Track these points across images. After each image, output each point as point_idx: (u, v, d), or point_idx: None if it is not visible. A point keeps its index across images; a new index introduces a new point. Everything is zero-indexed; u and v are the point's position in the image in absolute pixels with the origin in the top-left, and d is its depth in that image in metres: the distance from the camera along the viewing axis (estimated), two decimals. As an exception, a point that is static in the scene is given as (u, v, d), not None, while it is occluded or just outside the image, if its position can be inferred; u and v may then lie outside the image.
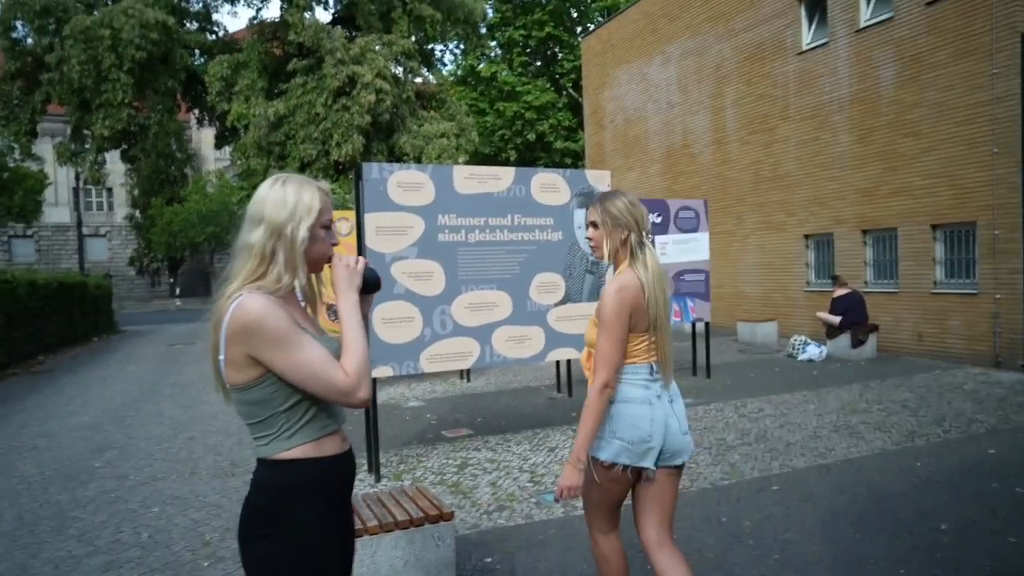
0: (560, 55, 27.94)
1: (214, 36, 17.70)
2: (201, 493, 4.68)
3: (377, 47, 15.78)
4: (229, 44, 17.24)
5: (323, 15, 37.93)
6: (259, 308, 1.46)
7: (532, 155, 26.67)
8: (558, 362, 7.49)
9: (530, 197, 5.15)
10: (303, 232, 1.54)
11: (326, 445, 1.58)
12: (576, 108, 26.93)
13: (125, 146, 15.61)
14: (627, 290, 2.17)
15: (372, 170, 4.68)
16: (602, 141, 17.33)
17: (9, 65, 15.17)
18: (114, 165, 36.36)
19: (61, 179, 37.46)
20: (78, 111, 14.57)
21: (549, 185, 5.22)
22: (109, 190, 40.85)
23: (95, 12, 14.10)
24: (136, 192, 38.75)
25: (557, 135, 26.46)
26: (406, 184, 4.77)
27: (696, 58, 13.75)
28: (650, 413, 2.21)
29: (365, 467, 4.98)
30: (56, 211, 38.54)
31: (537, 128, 26.02)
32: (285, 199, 1.55)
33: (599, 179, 5.41)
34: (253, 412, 1.53)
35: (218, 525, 4.09)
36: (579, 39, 26.00)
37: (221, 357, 1.51)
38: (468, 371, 8.60)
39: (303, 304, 1.66)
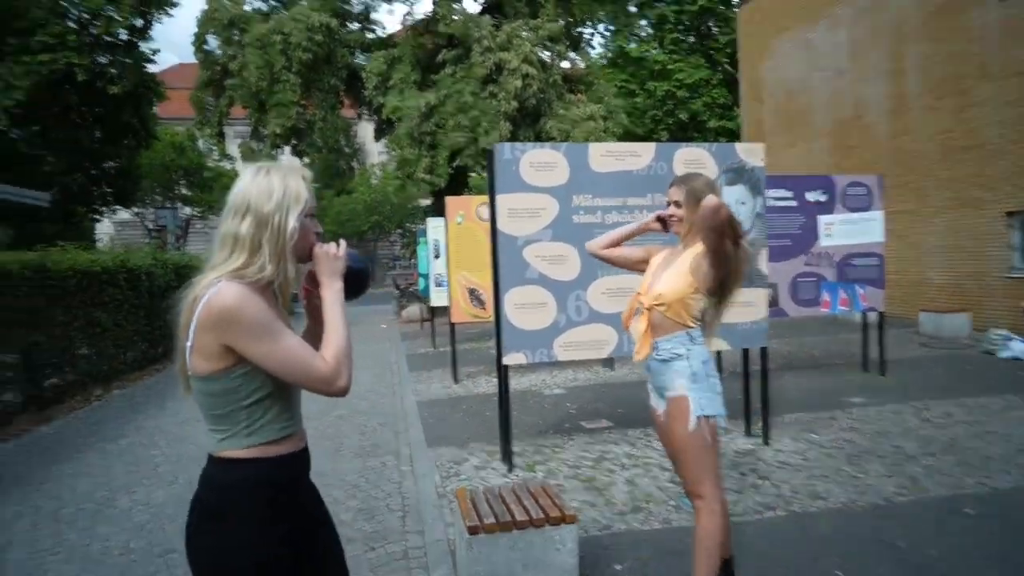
0: (715, 29, 26.38)
1: (373, 34, 18.59)
2: (342, 472, 4.85)
3: (524, 32, 15.73)
4: (386, 41, 18.05)
5: (473, 6, 38.85)
6: (236, 297, 1.43)
7: (685, 135, 25.49)
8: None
9: (672, 174, 4.75)
10: (292, 222, 1.51)
11: (281, 446, 1.54)
12: (732, 84, 25.32)
13: (295, 141, 16.85)
14: None
15: (504, 150, 4.54)
16: (761, 117, 16.10)
17: (202, 75, 16.97)
18: (292, 161, 39.83)
19: (248, 176, 41.49)
20: (256, 112, 15.98)
21: (694, 161, 4.79)
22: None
23: (271, 21, 15.31)
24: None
25: (711, 114, 25.07)
26: (539, 164, 4.58)
27: (872, 17, 12.27)
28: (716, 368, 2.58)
29: (499, 455, 4.91)
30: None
31: (690, 107, 24.81)
32: (271, 188, 1.51)
33: (751, 152, 4.88)
34: (214, 404, 1.49)
35: (352, 505, 4.18)
36: (735, 10, 24.40)
37: (188, 344, 1.47)
38: (612, 359, 8.32)
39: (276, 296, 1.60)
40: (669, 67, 24.81)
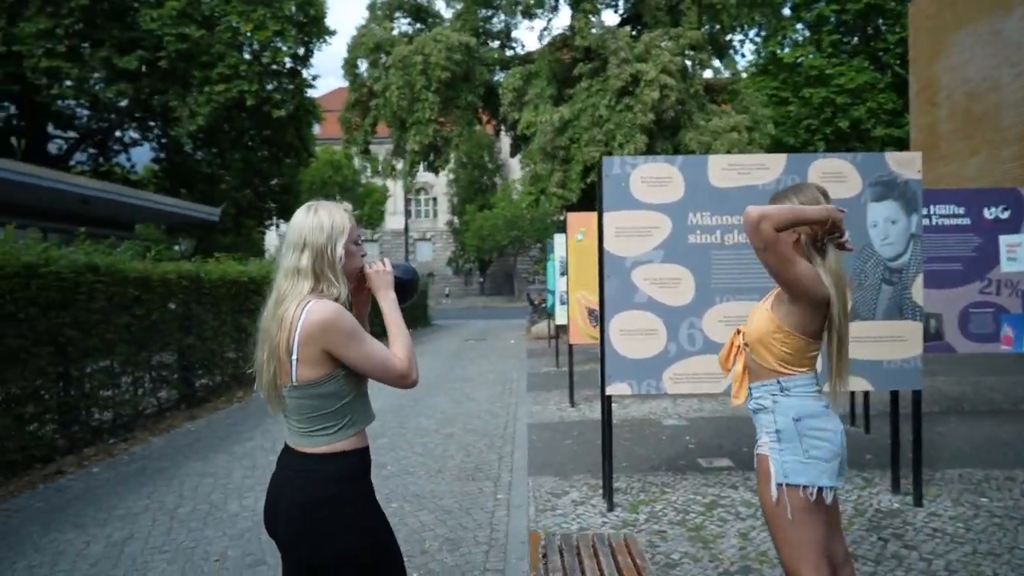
0: (884, 27, 24.09)
1: (512, 52, 18.87)
2: (439, 494, 4.72)
3: (663, 43, 15.20)
4: (525, 58, 18.24)
5: (612, 18, 38.32)
6: (334, 309, 1.71)
7: (845, 145, 23.43)
8: (852, 393, 6.16)
9: (807, 189, 4.18)
10: (340, 250, 1.77)
11: (365, 436, 1.84)
12: (902, 88, 22.95)
13: (432, 157, 17.43)
14: None
15: (613, 165, 4.22)
16: (935, 122, 14.34)
17: (350, 96, 18.09)
18: (440, 177, 41.68)
19: (398, 193, 43.95)
20: (397, 130, 16.72)
21: (834, 173, 4.19)
22: (434, 199, 47.00)
23: (413, 43, 15.98)
24: (455, 200, 44.11)
25: (877, 121, 22.85)
26: (651, 179, 4.21)
27: (1079, 2, 10.49)
28: (834, 424, 2.09)
29: (601, 492, 4.56)
30: (394, 219, 45.48)
31: (851, 114, 22.78)
32: (321, 224, 1.77)
33: (905, 163, 4.18)
34: (324, 404, 1.74)
35: (439, 533, 4.02)
36: (908, 4, 22.13)
37: (294, 357, 1.71)
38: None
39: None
40: (827, 71, 22.95)
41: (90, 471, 5.68)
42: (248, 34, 20.13)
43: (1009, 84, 12.16)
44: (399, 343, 1.80)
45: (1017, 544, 3.67)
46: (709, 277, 4.20)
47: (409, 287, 1.98)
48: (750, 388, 2.18)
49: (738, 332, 2.28)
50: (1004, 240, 6.05)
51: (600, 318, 4.30)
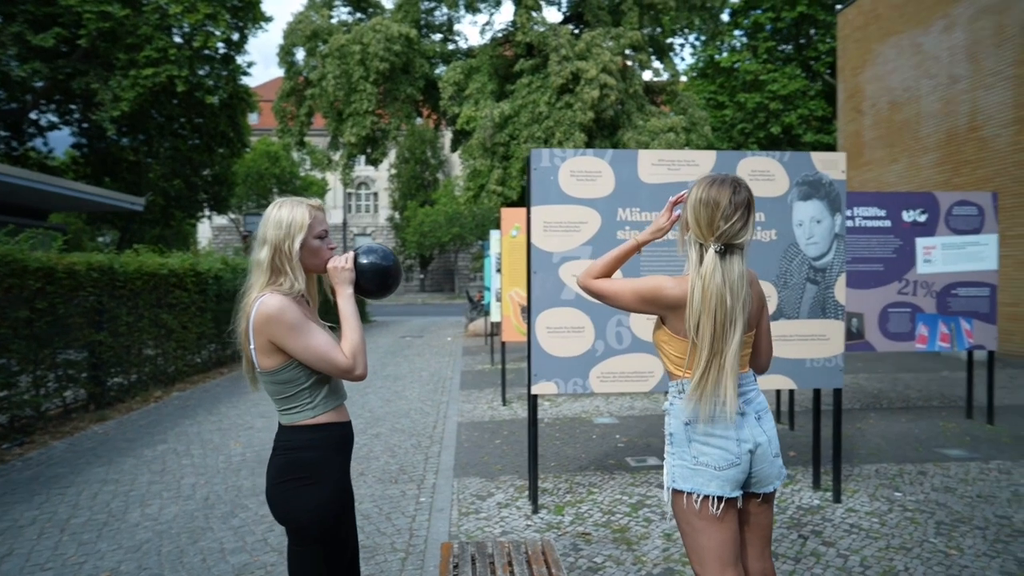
0: (815, 36, 24.93)
1: (455, 46, 18.62)
2: (359, 498, 4.51)
3: (605, 42, 15.26)
4: (466, 53, 18.02)
5: (554, 15, 38.68)
6: (278, 303, 1.84)
7: (777, 150, 24.16)
8: (777, 391, 6.25)
9: (735, 187, 4.17)
10: (297, 245, 1.90)
11: (340, 413, 1.98)
12: (831, 96, 23.82)
13: (369, 150, 17.02)
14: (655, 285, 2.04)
15: (542, 157, 4.11)
16: (860, 130, 14.87)
17: (285, 85, 17.48)
18: (382, 171, 40.99)
19: (337, 186, 42.99)
20: (334, 122, 16.24)
21: (761, 172, 4.19)
22: (375, 194, 46.21)
23: (351, 32, 15.55)
24: (396, 196, 43.46)
25: (807, 127, 23.63)
26: (581, 172, 4.11)
27: (994, 17, 11.01)
28: (740, 433, 1.96)
29: (527, 493, 4.44)
30: (334, 213, 44.45)
31: (784, 119, 23.49)
32: (280, 220, 1.90)
33: (830, 164, 4.22)
34: (283, 390, 1.90)
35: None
36: (836, 15, 22.96)
37: (251, 347, 1.88)
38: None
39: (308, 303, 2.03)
40: (762, 78, 23.60)
41: (-23, 478, 5.22)
42: (178, 16, 19.21)
43: (928, 95, 12.70)
44: (347, 338, 1.89)
45: (927, 538, 3.74)
46: (638, 274, 4.13)
47: (390, 273, 2.04)
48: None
49: None
50: (920, 243, 6.25)
51: (528, 315, 4.19)
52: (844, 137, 15.61)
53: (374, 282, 2.01)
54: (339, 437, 1.96)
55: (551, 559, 2.54)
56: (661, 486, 4.64)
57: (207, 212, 25.66)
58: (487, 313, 13.74)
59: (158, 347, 9.26)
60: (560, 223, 4.10)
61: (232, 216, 33.31)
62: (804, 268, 4.19)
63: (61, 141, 23.94)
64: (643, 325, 4.14)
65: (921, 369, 9.77)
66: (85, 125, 21.96)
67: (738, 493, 1.95)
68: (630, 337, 4.14)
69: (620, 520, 4.03)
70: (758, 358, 2.13)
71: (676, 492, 1.97)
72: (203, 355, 10.70)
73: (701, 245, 1.97)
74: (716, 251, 1.92)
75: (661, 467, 5.10)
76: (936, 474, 4.88)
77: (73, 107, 21.80)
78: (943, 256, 6.23)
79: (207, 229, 41.37)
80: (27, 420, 6.82)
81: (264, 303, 1.83)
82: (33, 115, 22.08)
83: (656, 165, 4.16)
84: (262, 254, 1.90)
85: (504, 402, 7.68)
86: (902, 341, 6.23)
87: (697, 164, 4.17)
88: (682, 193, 2.17)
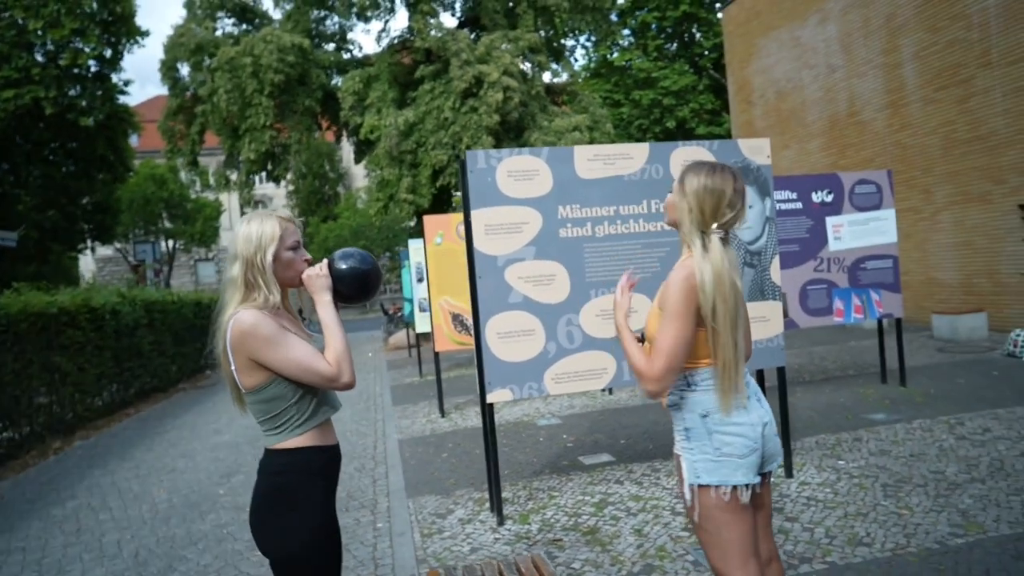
0: (698, 34, 26.14)
1: (349, 55, 18.15)
2: (310, 533, 4.22)
3: (503, 45, 15.31)
4: (363, 61, 17.60)
5: (449, 21, 38.47)
6: (251, 318, 1.79)
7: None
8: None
9: (669, 177, 4.22)
10: (269, 258, 1.86)
11: (327, 434, 1.91)
12: (718, 90, 25.04)
13: (270, 167, 16.28)
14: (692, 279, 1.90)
15: (477, 159, 3.99)
16: (751, 119, 15.67)
17: (171, 103, 16.44)
18: (279, 188, 39.42)
19: (234, 206, 41.07)
20: (229, 139, 15.43)
21: (693, 160, 4.25)
22: (291, 213, 44.38)
23: (240, 44, 14.82)
24: (296, 212, 41.95)
25: (699, 120, 24.73)
26: (518, 172, 4.03)
27: (861, 11, 11.88)
28: (751, 416, 1.94)
29: (488, 505, 4.31)
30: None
31: (677, 114, 24.46)
32: (250, 235, 1.86)
33: (756, 149, 4.35)
34: (269, 408, 1.84)
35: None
36: (718, 14, 24.14)
37: (232, 368, 1.82)
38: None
39: (300, 316, 2.07)
40: (654, 75, 24.48)
41: None
42: (38, 32, 17.67)
43: (810, 84, 13.55)
44: (330, 345, 1.84)
45: (878, 501, 3.90)
46: (583, 271, 4.09)
47: (369, 276, 1.99)
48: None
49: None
50: (830, 221, 6.60)
51: (475, 322, 4.05)
52: (737, 127, 16.41)
53: (353, 287, 1.96)
54: (323, 460, 1.88)
55: (546, 572, 2.43)
56: (620, 481, 4.63)
57: (89, 243, 23.76)
58: (409, 325, 13.44)
59: (51, 393, 8.41)
60: (501, 225, 3.99)
61: (119, 246, 31.03)
62: (740, 252, 4.28)
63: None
64: (593, 323, 4.10)
65: (832, 341, 10.37)
66: (-62, 156, 19.82)
67: (758, 479, 1.93)
68: (581, 336, 4.09)
69: (588, 521, 3.97)
70: (747, 343, 2.12)
71: (702, 488, 1.90)
72: (104, 397, 9.83)
73: (703, 232, 1.92)
74: (719, 237, 1.90)
75: (614, 463, 5.10)
76: (870, 439, 5.14)
77: (-78, 137, 19.63)
78: (850, 233, 6.61)
79: (90, 262, 38.36)
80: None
81: (237, 319, 1.79)
82: None
83: (592, 160, 4.13)
84: (234, 270, 1.86)
85: (443, 414, 7.49)
86: (821, 316, 6.55)
87: (631, 157, 4.19)
88: (630, 271, 2.23)
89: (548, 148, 4.18)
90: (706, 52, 25.27)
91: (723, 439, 1.90)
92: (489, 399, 3.97)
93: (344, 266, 1.95)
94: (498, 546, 3.72)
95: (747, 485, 1.90)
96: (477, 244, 3.96)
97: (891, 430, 5.32)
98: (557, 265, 4.06)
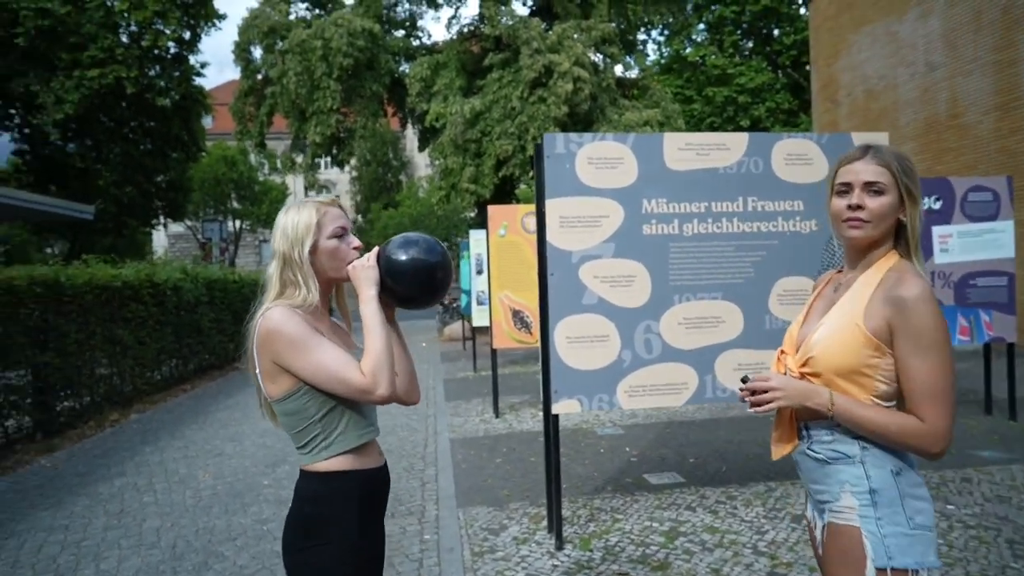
0: (777, 30, 25.00)
1: (418, 42, 18.00)
2: (353, 539, 3.94)
3: (575, 34, 14.85)
4: (431, 48, 17.43)
5: (521, 9, 38.13)
6: (278, 316, 1.57)
7: (745, 144, 24.09)
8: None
9: (770, 172, 3.74)
10: (306, 252, 1.63)
11: (364, 457, 1.66)
12: (796, 89, 23.92)
13: (335, 151, 16.28)
14: None
15: (556, 143, 3.60)
16: (836, 119, 14.75)
17: (243, 84, 16.64)
18: (343, 173, 40.03)
19: (300, 189, 41.89)
20: (296, 122, 15.50)
21: (798, 155, 3.76)
22: (337, 197, 45.10)
23: (312, 27, 14.83)
24: (359, 198, 42.47)
25: (775, 120, 23.66)
26: (600, 160, 3.62)
27: (971, 3, 10.91)
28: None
29: (545, 524, 3.93)
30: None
31: (752, 113, 23.46)
32: (286, 228, 1.64)
33: (873, 143, 3.81)
34: (292, 423, 1.61)
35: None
36: (800, 8, 23.02)
37: (257, 371, 1.62)
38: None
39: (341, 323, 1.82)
40: (729, 71, 23.53)
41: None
42: (124, 13, 18.18)
43: (905, 83, 12.59)
44: (367, 352, 1.57)
45: (1007, 562, 3.34)
46: (667, 273, 3.66)
47: (436, 272, 1.63)
48: (809, 430, 1.58)
49: (782, 354, 1.65)
50: (936, 231, 5.94)
51: (542, 323, 3.67)
52: (819, 128, 15.49)
53: (414, 285, 1.62)
54: (362, 487, 1.63)
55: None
56: (692, 508, 4.18)
57: (162, 220, 24.48)
58: (464, 317, 13.20)
59: (113, 365, 8.47)
60: (579, 218, 3.60)
61: (189, 223, 31.99)
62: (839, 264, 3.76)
63: (2, 148, 22.56)
64: (675, 331, 3.66)
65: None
66: (26, 130, 20.69)
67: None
68: (660, 345, 3.66)
69: (657, 554, 3.54)
70: None
71: (896, 573, 1.42)
72: (163, 372, 9.92)
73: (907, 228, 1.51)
74: None
75: (684, 485, 4.64)
76: (981, 480, 4.52)
77: (12, 111, 20.51)
78: (960, 245, 5.93)
79: (163, 238, 39.83)
80: (-38, 456, 6.06)
81: (266, 317, 1.58)
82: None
83: (683, 150, 3.69)
84: (272, 267, 1.67)
85: (497, 414, 7.15)
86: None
87: (728, 148, 3.72)
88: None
89: (635, 134, 3.76)
90: (785, 49, 24.14)
91: (916, 504, 1.45)
92: (555, 410, 3.59)
93: (403, 257, 1.61)
94: (556, 575, 3.34)
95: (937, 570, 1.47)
96: (550, 238, 3.57)
97: (1006, 472, 4.68)
98: (638, 265, 3.64)
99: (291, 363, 1.55)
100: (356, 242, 1.70)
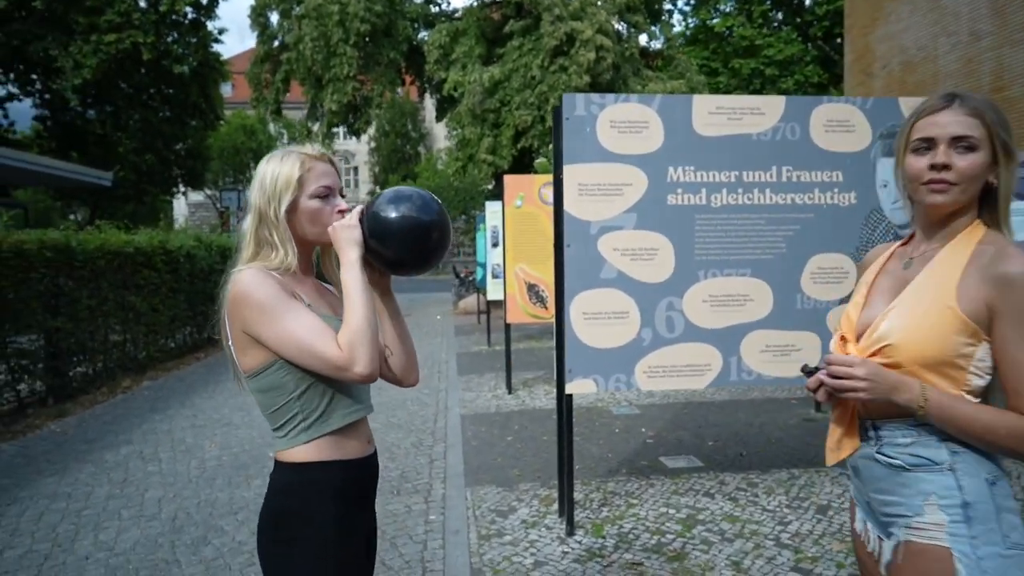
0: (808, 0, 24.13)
1: (438, 8, 17.59)
2: (357, 517, 3.80)
3: (599, 1, 14.38)
4: (450, 15, 17.02)
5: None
6: (247, 279, 1.37)
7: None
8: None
9: (807, 139, 3.46)
10: (283, 208, 1.43)
11: (348, 444, 1.46)
12: (826, 62, 23.14)
13: (352, 119, 16.03)
14: None
15: (575, 103, 3.35)
16: (870, 92, 14.17)
17: (259, 50, 16.39)
18: (360, 144, 39.78)
19: (317, 159, 41.73)
20: (312, 89, 15.26)
21: (839, 122, 3.47)
22: (355, 168, 44.95)
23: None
24: (377, 170, 42.27)
25: (804, 93, 22.95)
26: (623, 123, 3.37)
27: (1020, -31, 10.32)
28: None
29: (555, 507, 3.77)
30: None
31: (780, 86, 22.76)
32: (264, 179, 1.45)
33: (959, 91, 3.51)
34: (267, 401, 1.43)
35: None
36: (836, -22, 22.14)
37: (229, 342, 1.43)
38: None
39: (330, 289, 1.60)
40: (757, 43, 22.80)
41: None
42: (141, -24, 17.96)
43: (946, 54, 12.02)
44: (345, 324, 1.36)
45: None
46: (692, 247, 3.42)
47: (431, 232, 1.40)
48: (879, 430, 1.33)
49: (844, 341, 1.40)
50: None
51: (557, 297, 3.46)
52: (850, 102, 14.93)
53: (405, 246, 1.40)
54: (342, 480, 1.44)
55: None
56: (710, 494, 3.98)
57: (181, 188, 24.49)
58: (479, 290, 13.01)
59: (126, 332, 8.43)
60: (599, 185, 3.36)
61: (208, 192, 32.04)
62: (889, 238, 3.50)
63: (24, 114, 22.60)
64: (699, 309, 3.43)
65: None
66: (47, 96, 20.67)
67: None
68: (683, 323, 3.44)
69: (673, 543, 3.36)
70: None
71: None
72: (177, 339, 9.89)
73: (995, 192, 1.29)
74: None
75: (702, 469, 4.45)
76: None
77: (34, 76, 20.48)
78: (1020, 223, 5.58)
79: (183, 206, 39.97)
80: (-26, 419, 6.04)
81: (235, 280, 1.39)
82: (-10, 86, 20.73)
83: (714, 114, 3.42)
84: (246, 222, 1.47)
85: (510, 390, 6.98)
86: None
87: (763, 112, 3.44)
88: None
89: (661, 95, 3.49)
90: (817, 20, 23.31)
91: (1011, 520, 1.22)
92: (568, 389, 3.39)
93: (392, 214, 1.38)
94: (566, 562, 3.18)
95: None
96: (568, 206, 3.34)
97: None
98: (661, 237, 3.40)
99: (259, 332, 1.36)
100: (342, 204, 1.49)
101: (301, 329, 1.34)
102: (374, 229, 1.40)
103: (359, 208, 1.45)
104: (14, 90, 21.04)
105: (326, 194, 1.46)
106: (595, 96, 3.38)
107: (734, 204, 3.43)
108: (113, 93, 20.14)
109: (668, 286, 3.41)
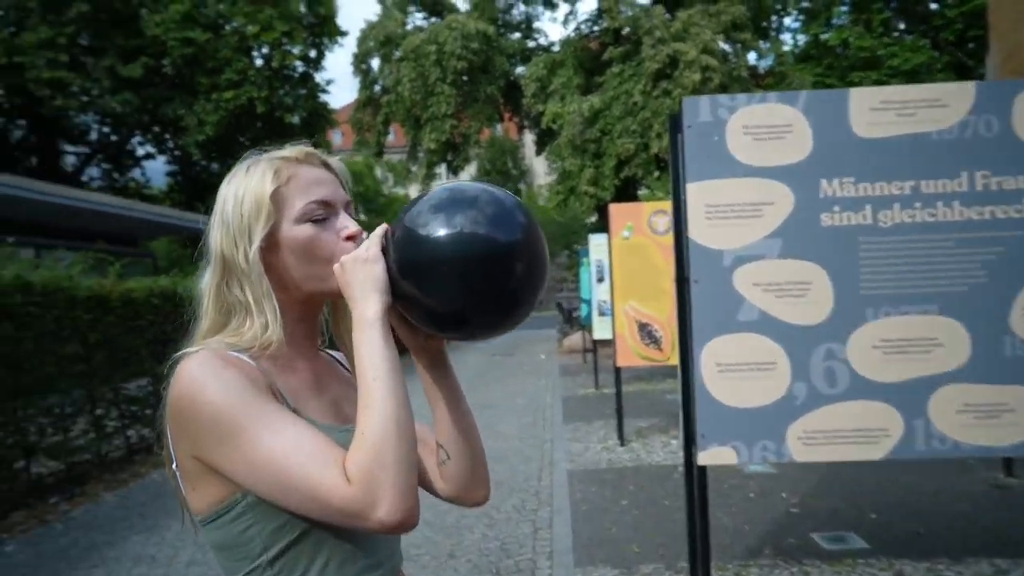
0: (936, 3, 22.21)
1: (535, 43, 17.53)
2: (448, 605, 3.27)
3: (702, 21, 13.68)
4: (547, 49, 16.89)
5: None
6: (194, 372, 0.84)
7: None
8: None
9: (1010, 134, 2.67)
10: (253, 249, 0.90)
11: None
12: (960, 69, 21.07)
13: (450, 157, 16.07)
14: None
15: (699, 108, 2.74)
16: (1020, 96, 12.55)
17: (362, 95, 16.89)
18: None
19: (421, 200, 43.07)
20: (412, 129, 15.45)
21: (1052, 110, 2.66)
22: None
23: (426, 33, 14.74)
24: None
25: (935, 104, 20.97)
26: (760, 129, 2.72)
27: None
28: None
29: (688, 603, 3.06)
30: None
31: (906, 98, 20.93)
32: (223, 207, 0.93)
33: None
34: (226, 564, 0.89)
35: None
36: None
37: (174, 466, 0.90)
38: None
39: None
40: (879, 53, 21.12)
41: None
42: (256, 36, 19.13)
43: (1118, 45, 10.37)
44: (359, 431, 0.81)
45: None
46: (856, 279, 2.69)
47: (509, 264, 0.82)
48: None
49: None
50: None
51: (682, 346, 2.82)
52: (997, 108, 13.29)
53: (463, 288, 0.81)
54: None
55: None
56: (887, 591, 3.13)
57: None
58: (585, 328, 12.40)
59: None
60: (731, 206, 2.71)
61: (321, 236, 33.61)
62: None
63: (158, 171, 24.60)
64: (869, 357, 2.68)
65: None
66: (176, 152, 22.39)
67: None
68: (848, 376, 2.69)
69: (850, 665, 2.58)
70: None
71: None
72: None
73: None
74: None
75: (869, 552, 3.58)
76: None
77: (166, 135, 22.26)
78: None
79: (298, 250, 42.18)
80: (86, 467, 6.10)
81: (178, 374, 0.86)
82: (129, 146, 22.72)
83: (878, 110, 2.70)
84: (204, 279, 0.97)
85: (622, 440, 6.28)
86: None
87: (945, 105, 2.69)
88: None
89: (808, 92, 2.83)
90: (949, 23, 21.35)
91: None
92: (701, 460, 2.72)
93: (441, 231, 0.81)
94: None
95: None
96: (693, 233, 2.72)
97: None
98: (815, 267, 2.69)
99: (216, 459, 0.84)
100: (351, 227, 0.94)
101: (283, 452, 0.80)
102: (408, 260, 0.84)
103: (382, 229, 0.90)
104: (151, 149, 22.96)
105: (322, 216, 0.93)
106: (723, 98, 2.77)
107: (911, 223, 2.68)
108: (232, 146, 21.49)
109: (826, 329, 2.69)
